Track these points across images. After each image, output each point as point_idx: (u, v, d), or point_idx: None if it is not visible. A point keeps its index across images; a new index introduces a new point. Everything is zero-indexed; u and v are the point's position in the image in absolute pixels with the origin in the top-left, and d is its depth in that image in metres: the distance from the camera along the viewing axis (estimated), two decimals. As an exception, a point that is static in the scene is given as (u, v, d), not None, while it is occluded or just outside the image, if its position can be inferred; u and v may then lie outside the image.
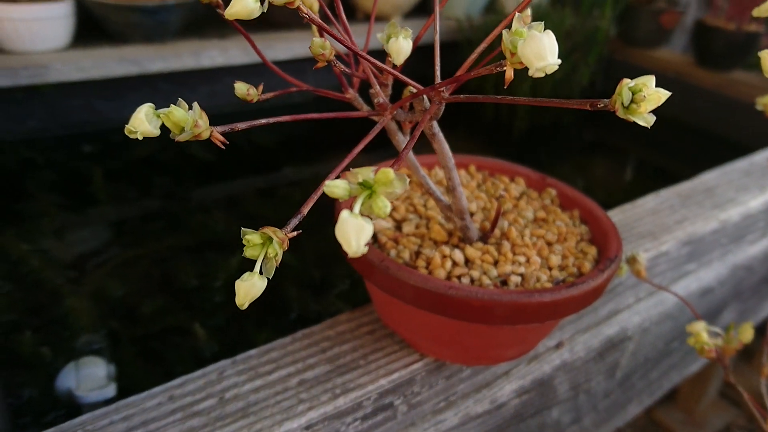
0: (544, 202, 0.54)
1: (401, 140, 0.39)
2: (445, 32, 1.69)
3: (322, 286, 0.81)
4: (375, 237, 0.46)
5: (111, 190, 1.04)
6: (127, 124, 0.25)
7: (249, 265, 0.24)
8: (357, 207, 0.20)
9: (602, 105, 0.21)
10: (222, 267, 0.81)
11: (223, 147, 0.25)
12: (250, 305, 0.24)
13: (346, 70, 0.29)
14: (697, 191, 0.83)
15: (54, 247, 0.85)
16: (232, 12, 0.22)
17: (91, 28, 1.28)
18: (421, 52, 0.39)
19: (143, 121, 0.23)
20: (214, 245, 0.89)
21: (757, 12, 0.39)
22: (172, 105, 0.24)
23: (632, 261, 0.61)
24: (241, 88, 0.30)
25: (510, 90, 1.62)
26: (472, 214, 0.49)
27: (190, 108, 0.25)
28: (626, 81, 0.19)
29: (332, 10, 0.65)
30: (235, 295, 0.23)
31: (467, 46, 1.71)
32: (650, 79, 0.19)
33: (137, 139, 0.23)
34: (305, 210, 0.26)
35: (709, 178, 0.87)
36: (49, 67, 1.11)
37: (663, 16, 1.76)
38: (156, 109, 0.24)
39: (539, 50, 0.20)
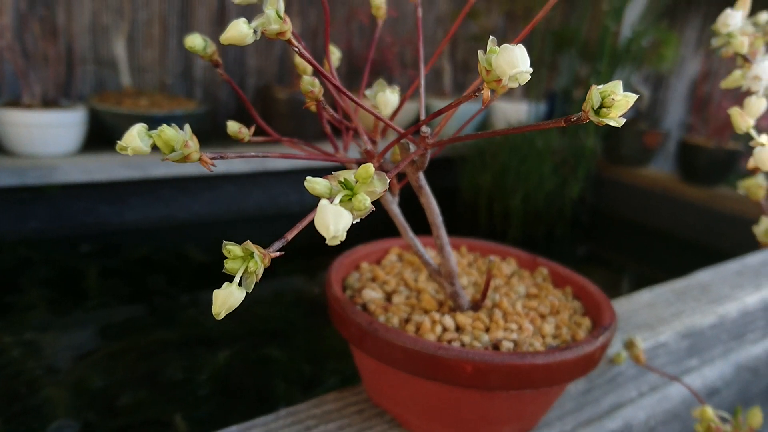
0: (536, 280, 0.54)
1: (389, 200, 0.40)
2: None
3: (311, 382, 0.78)
4: (364, 306, 0.46)
5: (103, 287, 1.03)
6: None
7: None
8: (336, 201, 0.20)
9: (575, 118, 0.22)
10: (209, 361, 0.78)
11: (210, 171, 0.26)
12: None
13: (334, 114, 0.31)
14: (691, 287, 0.83)
15: (38, 340, 0.82)
16: (227, 37, 0.24)
17: (101, 136, 1.34)
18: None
19: (135, 138, 0.24)
20: (202, 340, 0.86)
21: (724, 84, 0.41)
22: (164, 124, 0.25)
23: (630, 345, 0.60)
24: (233, 127, 0.31)
25: (504, 201, 1.66)
26: (463, 288, 0.49)
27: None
28: (595, 86, 0.21)
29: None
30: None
31: (460, 161, 1.79)
32: (618, 85, 0.21)
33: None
34: (290, 236, 0.27)
35: (703, 276, 0.88)
36: (57, 168, 1.15)
37: (646, 136, 1.86)
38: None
39: (512, 59, 0.21)
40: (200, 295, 1.04)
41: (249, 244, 0.24)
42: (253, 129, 0.32)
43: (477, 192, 1.69)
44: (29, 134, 1.16)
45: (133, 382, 0.74)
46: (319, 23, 1.89)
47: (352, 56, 1.88)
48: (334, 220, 0.19)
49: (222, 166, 1.34)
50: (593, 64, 1.93)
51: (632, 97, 0.20)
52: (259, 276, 0.24)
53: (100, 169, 1.19)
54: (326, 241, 0.20)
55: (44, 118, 1.18)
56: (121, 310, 0.97)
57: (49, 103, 1.27)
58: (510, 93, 2.18)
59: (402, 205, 0.43)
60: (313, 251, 1.38)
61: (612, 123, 0.20)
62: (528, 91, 2.17)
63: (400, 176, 0.42)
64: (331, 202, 0.20)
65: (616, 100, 0.20)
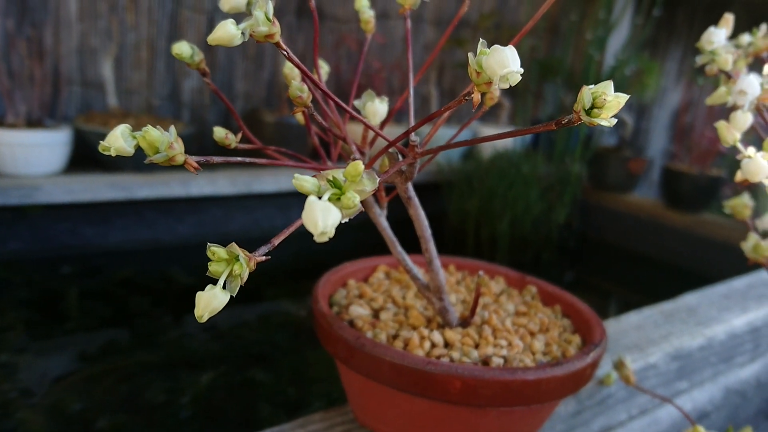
0: (525, 298, 0.54)
1: (378, 212, 0.39)
2: (427, 174, 1.78)
3: (297, 405, 0.76)
4: (351, 322, 0.45)
5: (84, 309, 1.01)
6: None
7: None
8: (325, 198, 0.20)
9: (566, 120, 0.22)
10: (192, 384, 0.76)
11: (195, 173, 0.25)
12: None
13: (323, 122, 0.30)
14: (679, 309, 0.83)
15: (15, 361, 0.80)
16: (215, 37, 0.24)
17: (86, 156, 1.33)
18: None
19: (118, 138, 0.24)
20: (185, 363, 0.84)
21: (710, 101, 0.42)
22: (148, 125, 0.24)
23: (619, 366, 0.59)
24: (219, 132, 0.31)
25: (491, 227, 1.67)
26: (452, 305, 0.48)
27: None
28: (586, 87, 0.21)
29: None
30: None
31: (448, 187, 1.80)
32: (608, 85, 0.21)
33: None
34: (276, 241, 0.26)
35: (690, 298, 0.88)
36: (40, 188, 1.13)
37: (630, 163, 1.88)
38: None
39: (502, 59, 0.21)
40: (184, 317, 1.02)
41: (234, 246, 0.23)
42: (239, 136, 0.31)
43: (464, 217, 1.69)
44: (12, 153, 1.15)
45: (111, 405, 0.72)
46: (307, 49, 1.91)
47: (340, 81, 1.89)
48: (322, 216, 0.19)
49: (208, 189, 1.33)
50: (578, 93, 1.96)
51: (623, 98, 0.20)
52: (244, 280, 0.23)
53: (83, 189, 1.18)
54: (314, 238, 0.19)
55: (28, 137, 1.16)
56: (102, 332, 0.94)
57: (33, 122, 1.26)
58: (496, 120, 2.20)
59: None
60: (299, 276, 1.37)
61: (603, 123, 0.20)
62: (514, 119, 2.20)
63: (388, 190, 0.41)
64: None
65: (607, 100, 0.20)
